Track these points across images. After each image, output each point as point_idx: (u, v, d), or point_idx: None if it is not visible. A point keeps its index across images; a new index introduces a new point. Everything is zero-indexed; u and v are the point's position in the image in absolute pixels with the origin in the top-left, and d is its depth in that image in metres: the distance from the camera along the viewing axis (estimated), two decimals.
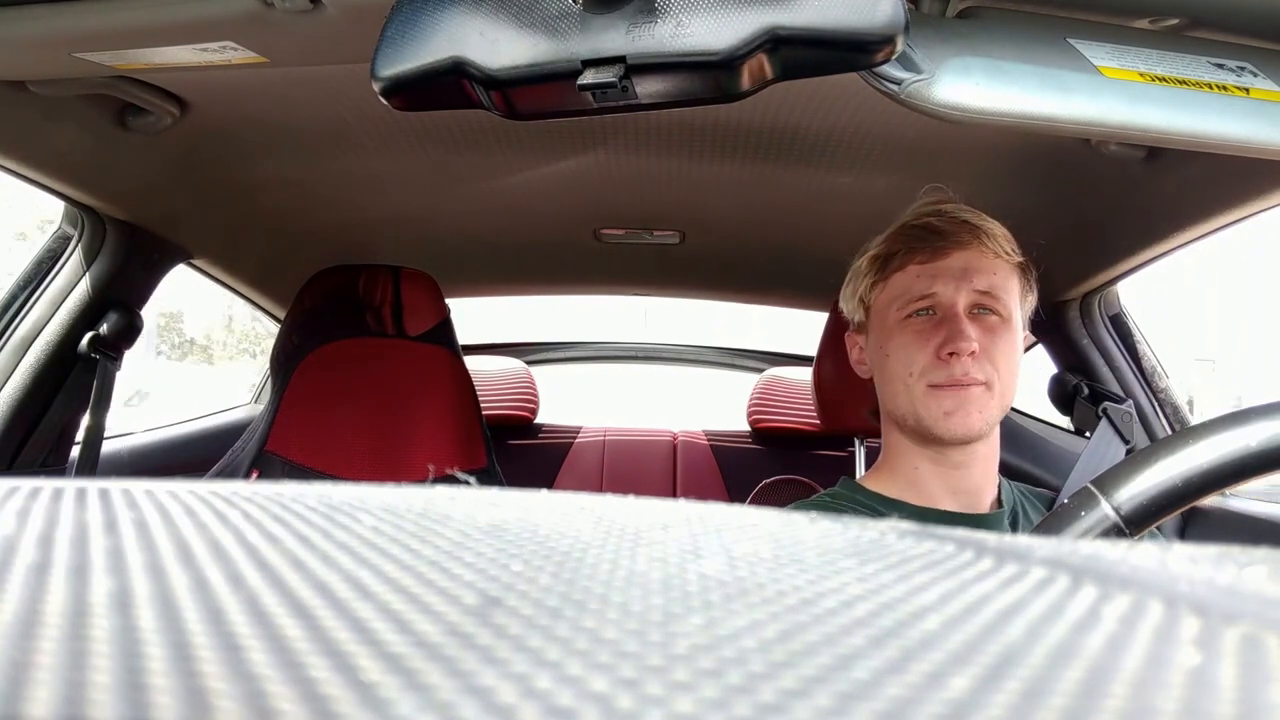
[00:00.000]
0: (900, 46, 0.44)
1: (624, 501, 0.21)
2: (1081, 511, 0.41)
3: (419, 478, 1.07)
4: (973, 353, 0.78)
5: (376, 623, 0.11)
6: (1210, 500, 1.13)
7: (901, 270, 0.83)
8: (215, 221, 1.21)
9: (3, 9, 0.61)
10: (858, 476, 0.94)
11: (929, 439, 0.82)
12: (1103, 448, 1.02)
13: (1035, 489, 0.92)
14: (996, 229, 0.83)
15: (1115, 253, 1.12)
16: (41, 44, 0.64)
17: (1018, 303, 0.84)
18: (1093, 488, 0.41)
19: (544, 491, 0.21)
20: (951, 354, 0.79)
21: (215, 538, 0.15)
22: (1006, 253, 0.82)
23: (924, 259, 0.82)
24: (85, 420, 1.12)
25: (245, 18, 0.60)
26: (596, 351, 2.08)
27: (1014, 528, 0.84)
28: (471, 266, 1.59)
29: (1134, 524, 0.40)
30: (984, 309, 0.81)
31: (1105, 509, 0.40)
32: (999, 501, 0.85)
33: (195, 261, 1.28)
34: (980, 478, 0.84)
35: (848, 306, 0.91)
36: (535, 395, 1.80)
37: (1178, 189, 0.94)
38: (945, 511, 0.83)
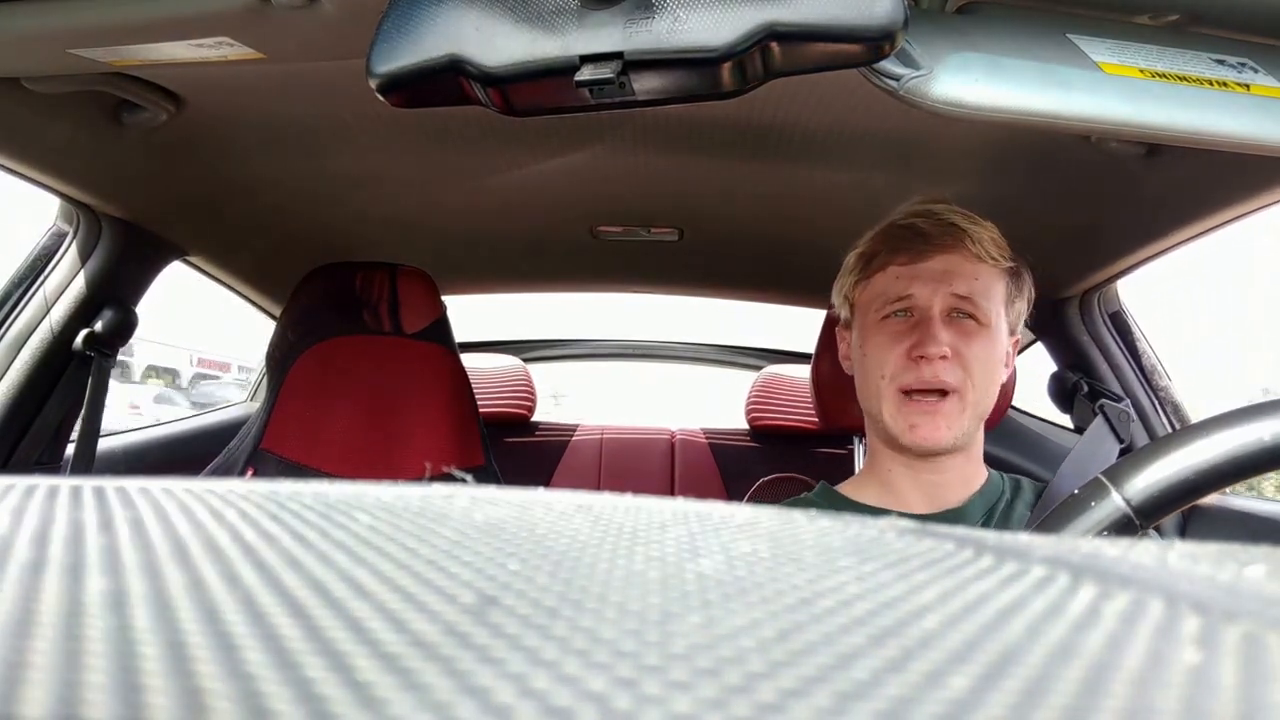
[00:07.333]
0: (900, 42, 0.43)
1: (622, 500, 0.21)
2: (1092, 502, 0.40)
3: (416, 476, 1.07)
4: (943, 356, 0.77)
5: (373, 622, 0.11)
6: (1211, 498, 1.13)
7: (883, 270, 0.83)
8: (211, 218, 1.21)
9: None
10: (856, 474, 0.94)
11: (897, 446, 0.82)
12: (1095, 445, 1.02)
13: (1034, 481, 0.91)
14: (985, 233, 0.81)
15: (1115, 250, 1.12)
16: (36, 40, 0.64)
17: (1002, 308, 0.82)
18: (1104, 478, 0.41)
19: (541, 490, 0.21)
20: (921, 357, 0.78)
21: (211, 536, 0.15)
22: (993, 257, 0.81)
23: (905, 260, 0.82)
24: (80, 418, 1.12)
25: (241, 13, 0.60)
26: (594, 349, 2.07)
27: (989, 518, 0.84)
28: (468, 264, 1.59)
29: (1145, 515, 0.40)
30: (961, 313, 0.80)
31: (1116, 500, 0.40)
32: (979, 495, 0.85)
33: (191, 258, 1.28)
34: (958, 484, 0.84)
35: (836, 301, 0.92)
36: (532, 393, 1.79)
37: (1178, 186, 0.94)
38: (917, 515, 0.83)
